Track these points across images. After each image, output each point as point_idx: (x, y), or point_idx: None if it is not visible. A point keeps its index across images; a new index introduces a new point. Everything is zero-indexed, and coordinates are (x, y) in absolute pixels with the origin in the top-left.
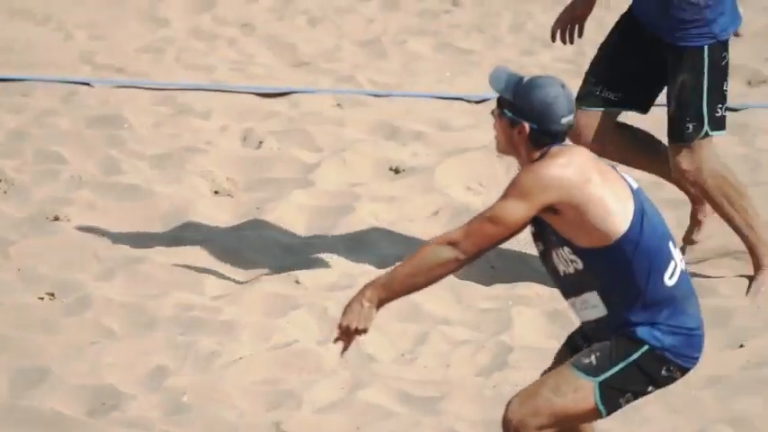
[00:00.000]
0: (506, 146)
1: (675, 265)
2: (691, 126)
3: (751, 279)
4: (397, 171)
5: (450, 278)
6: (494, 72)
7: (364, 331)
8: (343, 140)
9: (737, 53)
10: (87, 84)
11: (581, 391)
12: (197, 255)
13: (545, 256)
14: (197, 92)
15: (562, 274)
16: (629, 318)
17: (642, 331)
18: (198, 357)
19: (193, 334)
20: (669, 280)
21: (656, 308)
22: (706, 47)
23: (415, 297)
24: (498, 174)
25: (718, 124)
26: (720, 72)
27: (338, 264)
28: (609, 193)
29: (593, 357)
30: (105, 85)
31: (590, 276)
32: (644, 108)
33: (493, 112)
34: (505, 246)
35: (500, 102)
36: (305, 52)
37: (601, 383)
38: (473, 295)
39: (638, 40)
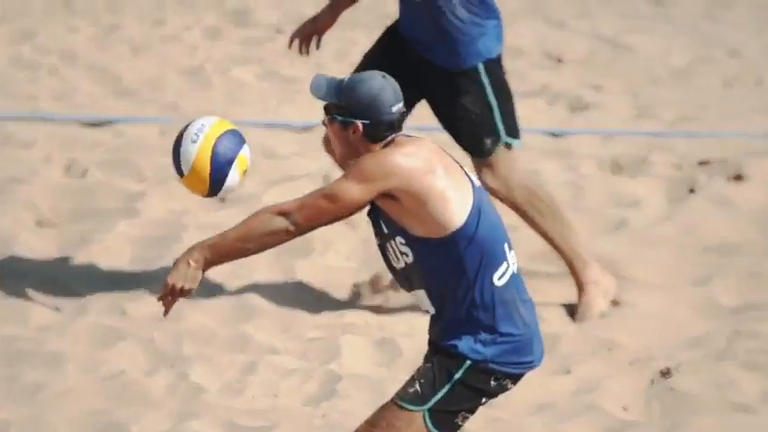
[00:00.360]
0: (345, 152)
1: (507, 267)
2: (488, 141)
3: (576, 305)
4: (223, 200)
5: (278, 307)
6: (313, 81)
7: (189, 292)
8: (168, 170)
9: (560, 79)
10: None
11: (413, 423)
12: (21, 286)
13: (382, 250)
14: (19, 121)
15: (397, 268)
16: (457, 318)
17: (462, 346)
18: (24, 390)
19: (18, 366)
20: (498, 281)
21: (483, 310)
22: (480, 65)
23: (243, 327)
24: None
25: (515, 133)
26: (502, 85)
27: None
28: (450, 186)
29: (417, 386)
30: None
31: (419, 272)
32: None
33: (324, 122)
34: (334, 275)
35: (327, 108)
36: (129, 81)
37: (430, 411)
38: (301, 324)
39: (401, 55)
